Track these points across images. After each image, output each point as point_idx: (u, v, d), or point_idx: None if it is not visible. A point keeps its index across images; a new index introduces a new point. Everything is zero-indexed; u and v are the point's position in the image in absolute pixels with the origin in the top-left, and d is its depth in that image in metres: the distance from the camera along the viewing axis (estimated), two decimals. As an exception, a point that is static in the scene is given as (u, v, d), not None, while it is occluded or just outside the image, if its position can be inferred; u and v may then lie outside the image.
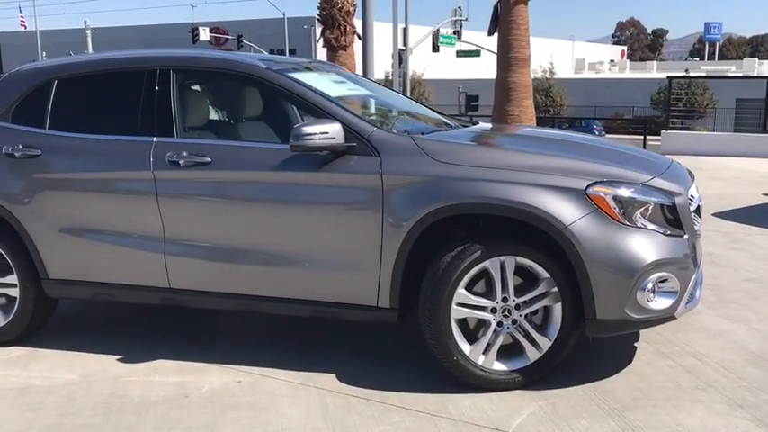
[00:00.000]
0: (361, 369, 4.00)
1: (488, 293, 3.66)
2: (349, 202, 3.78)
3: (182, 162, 3.98)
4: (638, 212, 3.56)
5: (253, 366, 4.07)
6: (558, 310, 3.64)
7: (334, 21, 15.91)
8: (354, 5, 16.13)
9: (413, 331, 4.22)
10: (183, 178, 4.01)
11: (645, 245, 3.52)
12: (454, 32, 34.82)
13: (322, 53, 19.06)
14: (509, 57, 12.90)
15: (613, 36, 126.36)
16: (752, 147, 15.01)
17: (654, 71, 65.27)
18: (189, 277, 4.10)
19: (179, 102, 4.17)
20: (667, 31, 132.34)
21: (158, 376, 4.01)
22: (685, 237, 3.68)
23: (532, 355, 3.68)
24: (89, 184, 4.20)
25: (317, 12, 16.33)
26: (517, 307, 3.65)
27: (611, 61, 76.20)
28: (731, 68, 55.44)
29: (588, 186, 3.51)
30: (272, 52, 39.05)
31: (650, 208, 3.59)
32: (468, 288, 3.64)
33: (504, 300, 3.64)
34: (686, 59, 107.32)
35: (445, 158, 3.68)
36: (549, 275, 3.60)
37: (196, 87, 4.50)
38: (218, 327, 4.89)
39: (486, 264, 3.60)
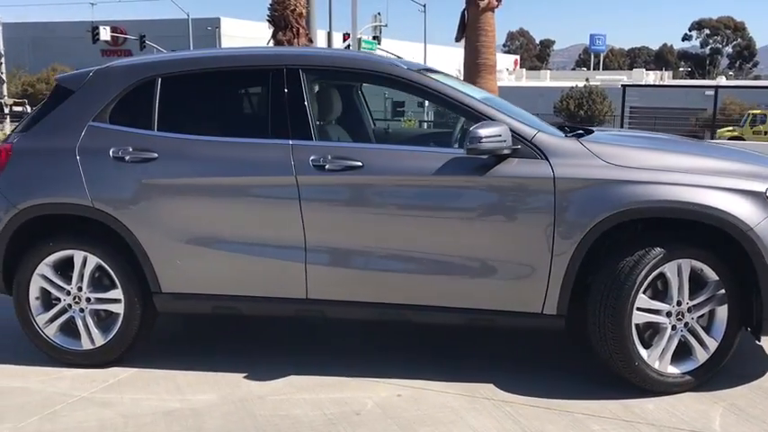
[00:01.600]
0: (515, 376, 3.91)
1: (662, 297, 3.67)
2: (516, 206, 3.69)
3: (328, 166, 3.77)
4: (799, 214, 3.66)
5: (397, 378, 3.90)
6: (723, 311, 3.69)
7: (287, 23, 15.61)
8: (306, 8, 15.90)
9: (538, 335, 4.16)
10: (331, 183, 3.80)
11: (816, 246, 3.62)
12: (374, 38, 34.95)
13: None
14: (477, 63, 13.05)
15: (504, 45, 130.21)
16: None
17: (548, 80, 67.91)
18: (332, 287, 3.88)
19: (313, 102, 3.95)
20: (554, 42, 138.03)
21: (305, 393, 3.77)
22: (833, 238, 3.82)
23: (701, 356, 3.71)
24: (217, 190, 3.90)
25: (268, 13, 15.95)
26: (689, 310, 3.67)
27: (507, 70, 78.46)
28: (623, 78, 58.24)
29: (768, 189, 3.59)
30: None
31: None
32: (644, 292, 3.64)
33: (678, 303, 3.66)
34: (573, 69, 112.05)
35: (618, 161, 3.65)
36: (717, 278, 3.65)
37: (331, 88, 4.27)
38: (318, 337, 4.66)
39: (665, 267, 3.61)
